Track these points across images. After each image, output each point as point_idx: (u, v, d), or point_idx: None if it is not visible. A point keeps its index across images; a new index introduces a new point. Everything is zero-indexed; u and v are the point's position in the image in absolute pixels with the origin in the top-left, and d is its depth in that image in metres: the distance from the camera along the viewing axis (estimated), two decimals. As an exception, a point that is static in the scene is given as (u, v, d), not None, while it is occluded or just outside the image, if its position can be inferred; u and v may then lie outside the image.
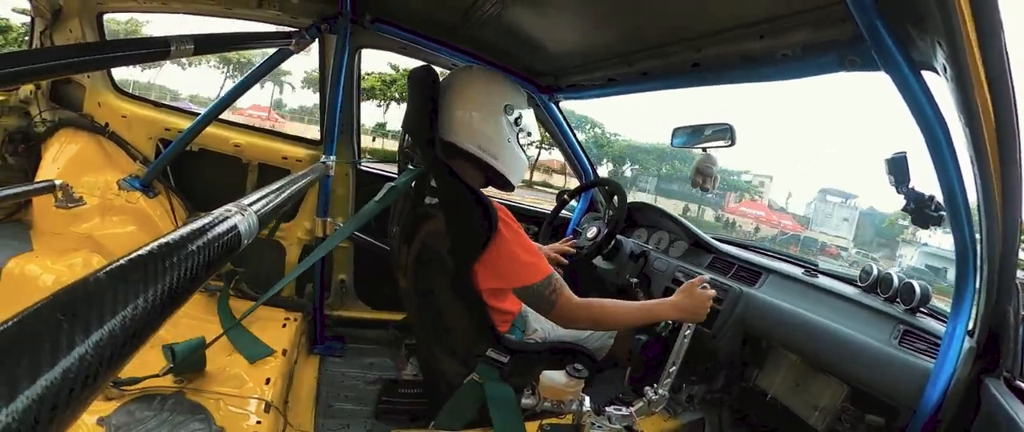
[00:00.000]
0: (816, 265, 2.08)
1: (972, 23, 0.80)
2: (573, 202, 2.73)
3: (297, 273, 2.32)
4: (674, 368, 1.68)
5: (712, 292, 1.65)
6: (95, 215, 2.14)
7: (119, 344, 0.36)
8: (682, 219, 2.51)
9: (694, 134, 1.84)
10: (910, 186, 1.28)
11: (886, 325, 1.54)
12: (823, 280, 1.86)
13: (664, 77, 1.90)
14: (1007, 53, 0.83)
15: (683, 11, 1.51)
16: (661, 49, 1.76)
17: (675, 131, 1.96)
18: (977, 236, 1.21)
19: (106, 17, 2.27)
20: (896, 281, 1.65)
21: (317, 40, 2.26)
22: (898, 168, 1.28)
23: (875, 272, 1.75)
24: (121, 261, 0.41)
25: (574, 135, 2.76)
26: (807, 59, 1.34)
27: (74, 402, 0.31)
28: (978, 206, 1.12)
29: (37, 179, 2.12)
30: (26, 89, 2.23)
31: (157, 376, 1.46)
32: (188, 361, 1.52)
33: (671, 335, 1.78)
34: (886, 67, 1.07)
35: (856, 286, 1.80)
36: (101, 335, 0.34)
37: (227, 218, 0.61)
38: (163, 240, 0.47)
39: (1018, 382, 1.22)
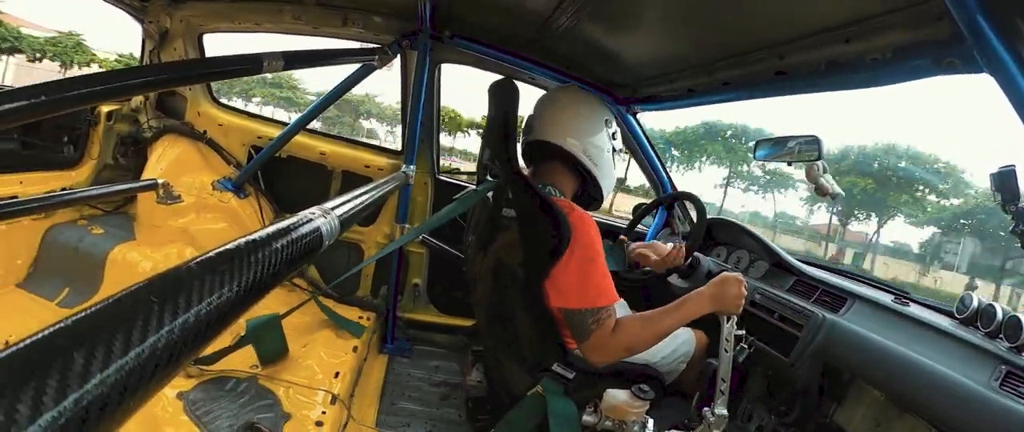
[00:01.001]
0: (908, 293, 1.92)
1: None
2: (649, 216, 2.68)
3: (365, 264, 2.41)
4: (725, 383, 1.59)
5: (743, 283, 1.55)
6: (191, 212, 2.35)
7: (202, 327, 0.39)
8: (763, 237, 2.41)
9: (777, 146, 1.77)
10: (1021, 205, 1.16)
11: (986, 364, 1.39)
12: (915, 309, 1.72)
13: (746, 87, 1.84)
14: None
15: (764, 17, 1.46)
16: (742, 57, 1.72)
17: (758, 143, 1.89)
18: None
19: (206, 37, 2.50)
20: (1000, 314, 1.49)
21: (399, 56, 2.38)
22: (1006, 184, 1.17)
23: (975, 303, 1.59)
24: (211, 253, 0.45)
25: (652, 147, 2.72)
26: (899, 63, 1.26)
27: (158, 375, 0.35)
28: None
29: (142, 178, 2.36)
30: (137, 99, 2.49)
31: (231, 351, 1.55)
32: (272, 347, 1.59)
33: (745, 362, 1.70)
34: (990, 68, 0.98)
35: (953, 318, 1.65)
36: (187, 318, 0.37)
37: (311, 220, 0.65)
38: (250, 237, 0.51)
39: None
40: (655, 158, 2.72)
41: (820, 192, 1.73)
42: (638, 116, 2.64)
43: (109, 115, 2.37)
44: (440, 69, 2.56)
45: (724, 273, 1.60)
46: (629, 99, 2.53)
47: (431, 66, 2.41)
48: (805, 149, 1.69)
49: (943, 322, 1.61)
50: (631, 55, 2.07)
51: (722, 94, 1.98)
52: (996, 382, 1.32)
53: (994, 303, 1.53)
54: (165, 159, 2.41)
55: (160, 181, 2.26)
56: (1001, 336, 1.46)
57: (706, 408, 1.61)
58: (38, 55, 26.80)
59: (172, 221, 2.26)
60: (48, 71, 26.24)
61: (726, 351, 1.57)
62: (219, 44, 2.88)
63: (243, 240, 0.49)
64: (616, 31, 1.89)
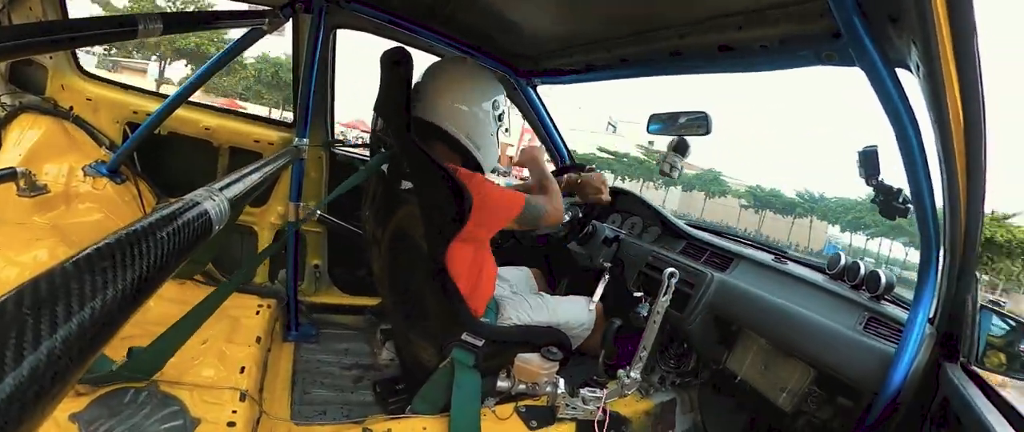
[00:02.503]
0: (785, 252, 2.13)
1: (947, 24, 0.81)
2: None
3: (272, 252, 2.30)
4: (646, 352, 1.73)
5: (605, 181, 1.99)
6: (60, 203, 2.05)
7: (89, 337, 0.35)
8: (655, 205, 2.54)
9: (670, 122, 1.85)
10: (880, 179, 1.31)
11: (852, 311, 1.60)
12: (792, 266, 1.92)
13: (643, 64, 1.90)
14: (979, 54, 0.85)
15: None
16: (640, 36, 1.76)
17: (651, 117, 1.97)
18: (941, 228, 1.25)
19: None
20: (862, 269, 1.70)
21: (291, 20, 2.20)
22: (869, 161, 1.31)
23: (843, 261, 1.80)
24: (88, 251, 0.40)
25: (550, 119, 2.75)
26: (785, 52, 1.36)
27: (44, 399, 0.31)
28: (943, 200, 1.16)
29: None
30: None
31: (125, 368, 1.43)
32: (155, 353, 1.49)
33: (644, 320, 1.82)
34: (861, 63, 1.10)
35: (824, 273, 1.86)
36: (69, 329, 0.33)
37: (197, 203, 0.60)
38: (132, 228, 0.47)
39: (974, 367, 1.28)
40: (554, 130, 2.77)
41: (667, 166, 1.86)
42: (537, 89, 2.65)
43: None
44: (335, 35, 2.41)
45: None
46: (530, 72, 2.53)
47: (326, 32, 2.25)
48: (694, 124, 1.78)
49: (816, 277, 1.81)
50: (533, 28, 2.06)
51: (620, 70, 2.04)
52: (861, 326, 1.52)
53: (859, 261, 1.73)
54: (24, 143, 2.07)
55: (20, 170, 1.93)
56: (864, 288, 1.67)
57: (622, 370, 1.72)
58: None
59: (38, 216, 1.95)
60: None
61: (655, 323, 1.69)
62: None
63: (124, 232, 0.45)
64: (519, 4, 1.86)
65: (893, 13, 0.97)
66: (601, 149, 52.72)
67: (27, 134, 2.10)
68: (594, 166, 2.14)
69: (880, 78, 1.08)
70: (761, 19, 1.35)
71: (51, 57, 2.21)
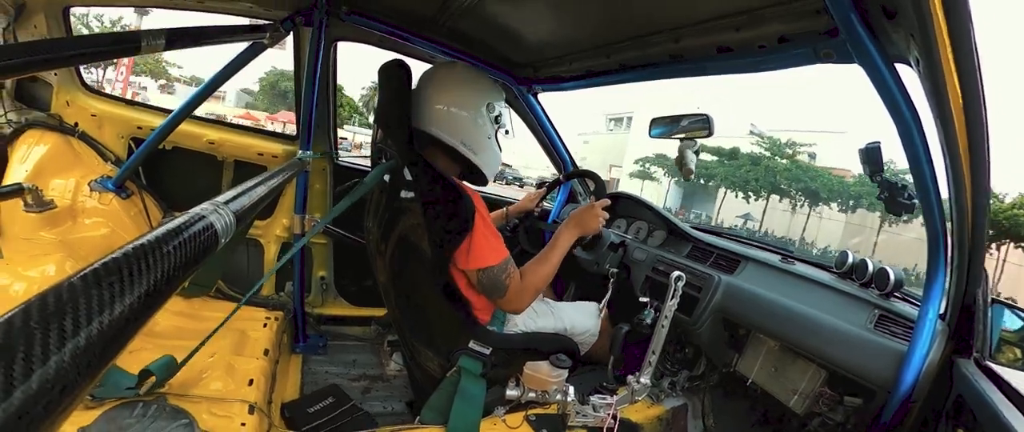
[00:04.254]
0: (792, 252, 2.11)
1: (944, 18, 0.81)
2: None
3: (278, 266, 2.30)
4: (655, 356, 1.72)
5: (600, 208, 1.81)
6: (67, 218, 2.07)
7: (97, 351, 0.35)
8: (660, 209, 2.54)
9: (672, 124, 1.85)
10: (884, 175, 1.31)
11: (862, 310, 1.58)
12: (800, 267, 1.90)
13: (642, 68, 1.91)
14: (977, 47, 0.85)
15: (661, 2, 1.51)
16: (639, 40, 1.77)
17: (653, 121, 1.97)
18: (948, 224, 1.24)
19: (73, 12, 2.18)
20: (871, 267, 1.69)
21: (292, 33, 2.21)
22: (872, 157, 1.31)
23: (850, 259, 1.79)
24: (95, 265, 0.40)
25: (552, 126, 2.75)
26: (783, 51, 1.36)
27: (52, 414, 0.31)
28: (949, 195, 1.15)
29: (4, 183, 2.04)
30: None
31: (132, 389, 1.43)
32: (163, 367, 1.49)
33: (652, 325, 1.81)
34: (860, 60, 1.10)
35: (832, 272, 1.85)
36: (77, 343, 0.33)
37: (203, 217, 0.60)
38: (138, 242, 0.46)
39: (987, 362, 1.27)
40: (556, 137, 2.77)
41: (682, 167, 1.85)
42: (538, 96, 2.66)
43: None
44: (336, 47, 2.43)
45: (582, 206, 1.83)
46: (530, 79, 2.53)
47: (326, 45, 2.27)
48: (696, 126, 1.78)
49: (824, 276, 1.79)
50: (532, 35, 2.06)
51: (619, 75, 2.04)
52: (871, 324, 1.51)
53: (866, 258, 1.72)
54: (30, 159, 2.09)
55: (26, 185, 1.95)
56: (872, 285, 1.65)
57: (631, 376, 1.72)
58: None
59: (45, 232, 1.97)
60: None
61: (663, 327, 1.69)
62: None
63: (130, 246, 0.45)
64: (518, 11, 1.87)
65: (889, 8, 0.97)
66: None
67: (34, 150, 2.12)
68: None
69: (880, 74, 1.08)
70: (758, 19, 1.35)
71: (56, 74, 2.24)
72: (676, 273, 1.74)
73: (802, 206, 37.38)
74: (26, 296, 0.33)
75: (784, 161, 36.15)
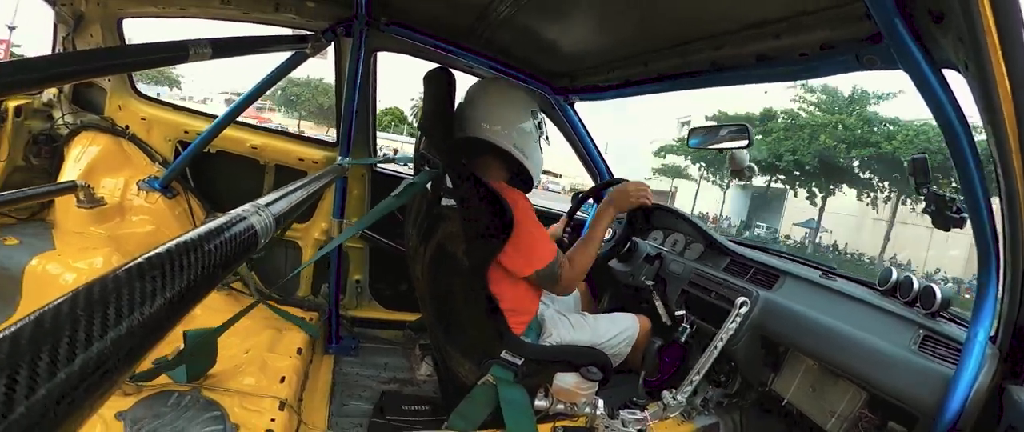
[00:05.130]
0: (834, 268, 2.05)
1: (993, 19, 0.78)
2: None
3: (304, 267, 2.36)
4: (698, 376, 1.68)
5: (637, 182, 1.87)
6: (115, 215, 2.19)
7: (137, 340, 0.36)
8: (698, 221, 2.50)
9: (710, 135, 1.83)
10: (931, 187, 1.26)
11: (905, 330, 1.51)
12: (841, 283, 1.84)
13: (680, 77, 1.89)
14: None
15: (699, 11, 1.50)
16: (677, 49, 1.76)
17: (691, 131, 1.95)
18: (1000, 239, 1.18)
19: (127, 23, 2.31)
20: (916, 285, 1.62)
21: (333, 43, 2.28)
22: (920, 169, 1.26)
23: (894, 275, 1.72)
24: (139, 260, 0.42)
25: (589, 135, 2.75)
26: (825, 58, 1.33)
27: (92, 396, 0.32)
28: (1001, 208, 1.10)
29: (59, 180, 2.18)
30: (49, 92, 2.29)
31: (169, 367, 1.48)
32: (200, 357, 1.53)
33: (691, 340, 1.77)
34: (905, 65, 1.06)
35: (874, 289, 1.77)
36: (119, 331, 0.34)
37: (244, 218, 0.62)
38: (181, 239, 0.48)
39: (1043, 390, 1.19)
40: (592, 146, 2.76)
41: (738, 174, 1.81)
42: (575, 106, 2.66)
43: (18, 110, 2.17)
44: (376, 57, 2.49)
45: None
46: (567, 89, 2.54)
47: (366, 54, 2.33)
48: (735, 136, 1.75)
49: (866, 293, 1.73)
50: (569, 45, 2.08)
51: (657, 84, 2.02)
52: (915, 345, 1.44)
53: (911, 274, 1.65)
54: (84, 159, 2.22)
55: (80, 183, 2.09)
56: (917, 304, 1.58)
57: (667, 391, 1.68)
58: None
59: (95, 227, 2.10)
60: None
61: (715, 348, 1.67)
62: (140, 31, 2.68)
63: (173, 243, 0.46)
64: (555, 21, 1.88)
65: (936, 11, 0.94)
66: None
67: (87, 150, 2.25)
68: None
69: (926, 80, 1.03)
70: (799, 26, 1.32)
71: (110, 80, 2.38)
72: (741, 299, 1.72)
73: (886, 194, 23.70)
74: (75, 285, 0.35)
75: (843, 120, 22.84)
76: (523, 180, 1.78)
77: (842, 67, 1.31)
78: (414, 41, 2.34)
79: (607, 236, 2.33)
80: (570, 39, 2.02)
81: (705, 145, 1.84)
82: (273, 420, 1.45)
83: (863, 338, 1.54)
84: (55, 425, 0.29)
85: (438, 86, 1.60)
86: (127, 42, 2.38)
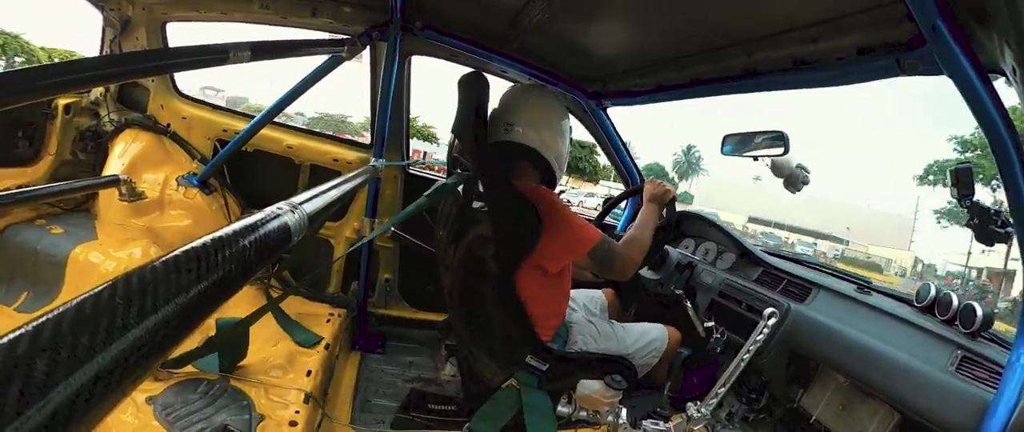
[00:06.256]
0: (869, 282, 1.98)
1: None
2: (619, 207, 2.71)
3: (336, 261, 2.39)
4: (724, 389, 1.65)
5: (662, 182, 1.88)
6: (155, 209, 2.27)
7: (171, 329, 0.38)
8: (730, 230, 2.45)
9: (744, 142, 1.80)
10: (975, 199, 1.21)
11: (943, 350, 1.46)
12: (876, 298, 1.78)
13: (714, 83, 1.87)
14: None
15: (733, 15, 1.49)
16: (711, 54, 1.74)
17: (725, 138, 1.92)
18: None
19: (170, 27, 2.41)
20: (956, 302, 1.56)
21: (368, 47, 2.33)
22: (963, 180, 1.21)
23: (933, 292, 1.66)
24: (177, 252, 0.43)
25: (621, 139, 2.74)
26: (863, 63, 1.30)
27: (126, 380, 0.33)
28: None
29: (103, 174, 2.27)
30: (96, 92, 2.39)
31: (201, 354, 1.52)
32: (231, 347, 1.57)
33: (721, 353, 1.73)
34: (948, 70, 1.02)
35: (912, 306, 1.71)
36: (154, 320, 0.36)
37: (279, 215, 0.63)
38: (217, 234, 0.49)
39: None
40: (624, 150, 2.75)
41: (789, 183, 1.77)
42: (607, 110, 2.66)
43: (67, 108, 2.27)
44: (410, 61, 2.52)
45: (650, 180, 1.87)
46: (599, 94, 2.54)
47: (401, 58, 2.37)
48: (771, 144, 1.72)
49: (902, 310, 1.67)
50: (602, 50, 2.08)
51: (691, 90, 2.00)
52: (953, 366, 1.38)
53: (950, 292, 1.59)
54: (127, 154, 2.32)
55: (122, 177, 2.18)
56: (957, 323, 1.52)
57: (692, 403, 1.65)
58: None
59: (135, 219, 2.18)
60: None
61: (742, 361, 1.64)
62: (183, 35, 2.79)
63: (209, 237, 0.48)
64: (587, 26, 1.89)
65: (980, 14, 0.91)
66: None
67: (130, 147, 2.35)
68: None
69: (970, 85, 1.00)
70: (837, 29, 1.29)
71: (153, 80, 2.48)
72: (769, 310, 1.68)
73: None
74: (114, 274, 0.36)
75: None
76: (549, 181, 1.78)
77: (881, 72, 1.27)
78: (448, 46, 2.37)
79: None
80: (602, 44, 2.02)
81: (739, 152, 1.81)
82: (297, 412, 1.47)
83: (897, 356, 1.49)
84: (90, 406, 0.30)
85: (472, 89, 1.61)
86: (170, 45, 2.47)
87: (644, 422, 1.63)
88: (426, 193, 1.67)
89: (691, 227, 2.62)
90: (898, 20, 1.13)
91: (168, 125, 2.49)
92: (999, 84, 1.00)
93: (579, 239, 1.57)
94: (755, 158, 1.74)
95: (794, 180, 1.76)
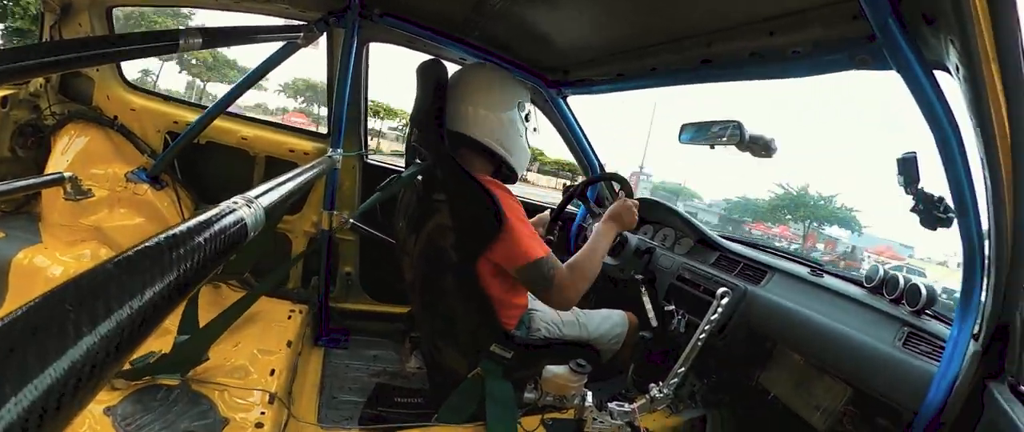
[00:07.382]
0: (822, 265, 2.06)
1: (987, 22, 0.79)
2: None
3: (296, 260, 2.34)
4: (683, 369, 1.69)
5: (633, 202, 1.76)
6: (103, 207, 2.15)
7: (126, 335, 0.36)
8: (688, 216, 2.50)
9: (701, 130, 1.83)
10: (919, 187, 1.26)
11: (891, 327, 1.53)
12: (829, 280, 1.85)
13: (673, 73, 1.89)
14: (1022, 53, 0.81)
15: (693, 6, 1.50)
16: (670, 44, 1.76)
17: (683, 127, 1.94)
18: (986, 239, 1.20)
19: (116, 11, 2.27)
20: (902, 282, 1.63)
21: (325, 34, 2.26)
22: (908, 168, 1.27)
23: (881, 273, 1.74)
24: (129, 253, 0.41)
25: (581, 129, 2.75)
26: (818, 57, 1.34)
27: (81, 392, 0.31)
28: (987, 209, 1.11)
29: (46, 172, 2.14)
30: (36, 82, 2.24)
31: (158, 370, 1.47)
32: (189, 351, 1.53)
33: (682, 335, 1.78)
34: (897, 66, 1.07)
35: (862, 287, 1.79)
36: (108, 326, 0.34)
37: (234, 210, 0.61)
38: (170, 232, 0.47)
39: (1023, 387, 1.21)
40: (584, 140, 2.76)
41: (763, 150, 1.77)
42: (568, 100, 2.66)
43: (3, 101, 2.13)
44: (368, 49, 2.47)
45: (618, 202, 1.77)
46: (560, 82, 2.54)
47: (359, 45, 2.32)
48: (729, 134, 1.74)
49: (853, 290, 1.74)
50: (563, 39, 2.07)
51: (650, 79, 2.03)
52: (900, 342, 1.46)
53: (897, 273, 1.67)
54: (71, 150, 2.19)
55: (67, 175, 2.04)
56: (903, 302, 1.60)
57: (653, 385, 1.69)
58: None
59: (83, 219, 2.06)
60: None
61: (698, 342, 1.68)
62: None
63: (163, 236, 0.46)
64: (549, 14, 1.87)
65: (929, 13, 0.94)
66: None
67: (75, 141, 2.21)
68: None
69: (917, 81, 1.04)
70: (793, 24, 1.33)
71: (98, 69, 2.33)
72: (721, 289, 1.72)
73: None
74: (62, 279, 0.35)
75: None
76: (506, 174, 1.75)
77: (835, 66, 1.31)
78: (407, 32, 2.32)
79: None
80: (564, 33, 2.01)
81: (697, 141, 1.83)
82: (263, 413, 1.45)
83: (848, 334, 1.56)
84: (45, 421, 0.28)
85: (430, 78, 1.59)
86: (116, 31, 2.34)
87: (609, 404, 1.67)
88: (381, 184, 1.66)
89: (651, 213, 2.67)
90: (852, 16, 1.17)
91: (115, 117, 2.35)
92: (943, 80, 1.05)
93: (521, 252, 1.49)
94: (712, 147, 1.77)
95: (764, 145, 1.76)
